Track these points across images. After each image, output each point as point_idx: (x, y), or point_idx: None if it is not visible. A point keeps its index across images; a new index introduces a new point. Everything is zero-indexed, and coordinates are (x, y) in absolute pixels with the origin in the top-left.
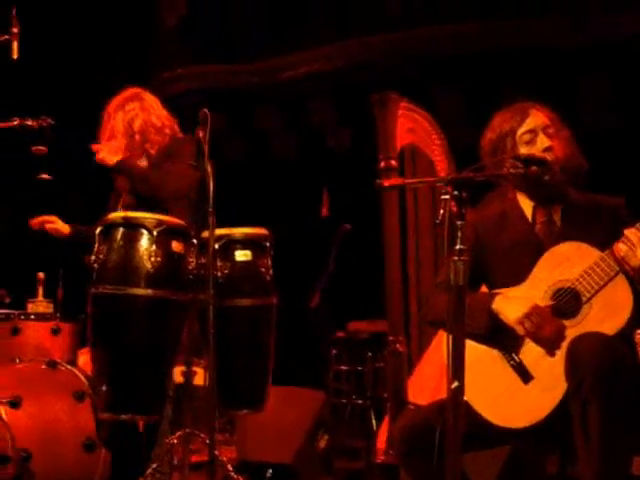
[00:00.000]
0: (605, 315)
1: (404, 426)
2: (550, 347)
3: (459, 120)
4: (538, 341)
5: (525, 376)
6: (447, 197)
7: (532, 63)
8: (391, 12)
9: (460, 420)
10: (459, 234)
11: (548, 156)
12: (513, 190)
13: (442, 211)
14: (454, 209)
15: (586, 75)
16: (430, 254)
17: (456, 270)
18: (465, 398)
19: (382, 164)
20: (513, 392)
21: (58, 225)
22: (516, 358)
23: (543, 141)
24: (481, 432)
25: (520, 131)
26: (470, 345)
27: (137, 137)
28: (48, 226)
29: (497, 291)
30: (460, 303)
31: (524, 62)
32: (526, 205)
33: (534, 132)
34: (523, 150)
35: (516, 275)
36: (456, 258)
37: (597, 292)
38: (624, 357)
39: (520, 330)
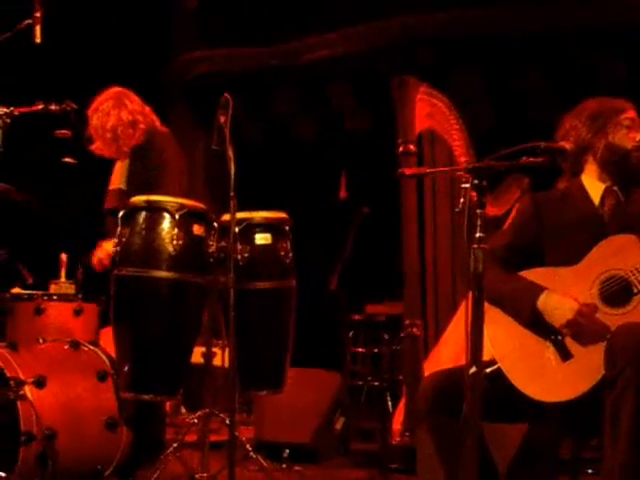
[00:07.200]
0: None
1: (432, 383)
2: (591, 344)
3: (478, 105)
4: (580, 341)
5: (564, 354)
6: (467, 185)
7: (550, 46)
8: None
9: (478, 407)
10: (479, 222)
11: None
12: (577, 175)
13: (462, 199)
14: (474, 197)
15: (602, 58)
16: (447, 238)
17: (476, 258)
18: (499, 365)
19: (401, 148)
20: (549, 367)
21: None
22: (558, 335)
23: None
24: (506, 401)
25: (623, 115)
26: None
27: (108, 135)
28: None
29: (544, 284)
30: (480, 290)
31: (543, 45)
32: (594, 188)
33: (633, 121)
34: (623, 131)
35: (571, 255)
36: (476, 246)
37: None
38: None
39: (564, 332)
